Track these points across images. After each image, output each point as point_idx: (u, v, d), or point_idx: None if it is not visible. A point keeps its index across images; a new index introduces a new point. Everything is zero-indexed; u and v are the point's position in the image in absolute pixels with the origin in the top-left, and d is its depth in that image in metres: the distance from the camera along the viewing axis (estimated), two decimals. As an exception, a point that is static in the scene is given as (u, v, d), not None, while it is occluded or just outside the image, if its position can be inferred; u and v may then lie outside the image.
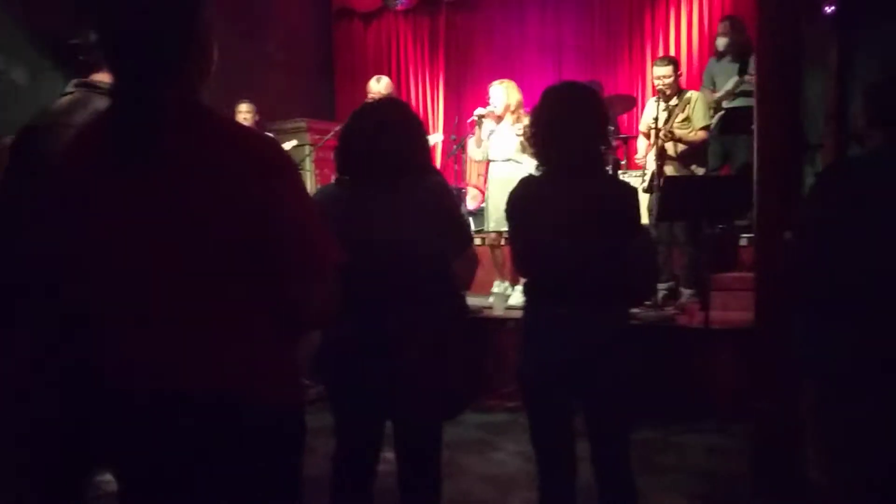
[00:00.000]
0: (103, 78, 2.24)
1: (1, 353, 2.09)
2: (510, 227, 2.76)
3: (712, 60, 6.44)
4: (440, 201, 2.45)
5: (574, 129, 2.55)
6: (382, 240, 2.35)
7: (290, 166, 1.57)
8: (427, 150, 2.59)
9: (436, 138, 6.75)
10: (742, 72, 5.79)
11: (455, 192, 6.55)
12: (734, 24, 6.24)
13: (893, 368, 2.36)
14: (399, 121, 2.47)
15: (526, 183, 2.73)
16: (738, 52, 6.04)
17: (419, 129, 2.53)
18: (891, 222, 2.36)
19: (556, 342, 2.55)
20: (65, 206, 1.54)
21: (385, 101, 2.94)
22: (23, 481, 2.07)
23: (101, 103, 2.20)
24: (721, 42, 6.25)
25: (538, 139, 2.65)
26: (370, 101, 3.07)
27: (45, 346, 1.99)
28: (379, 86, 5.98)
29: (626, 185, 2.69)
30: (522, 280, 2.83)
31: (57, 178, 1.57)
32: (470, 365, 2.52)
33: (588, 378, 2.54)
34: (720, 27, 6.41)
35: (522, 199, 2.70)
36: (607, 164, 3.76)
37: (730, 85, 5.85)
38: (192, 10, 1.51)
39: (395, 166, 2.40)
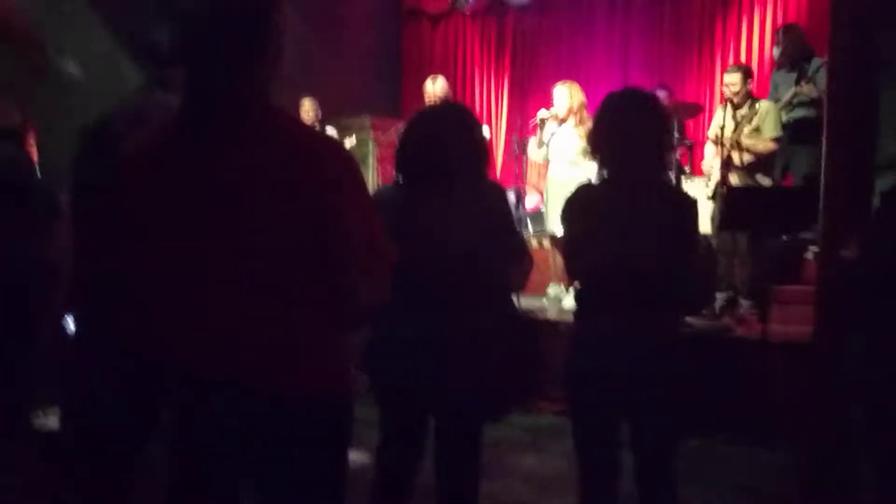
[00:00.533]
0: (175, 74, 2.32)
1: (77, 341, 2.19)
2: (565, 232, 2.75)
3: (774, 70, 6.32)
4: (494, 208, 2.48)
5: (634, 137, 2.53)
6: (434, 242, 2.37)
7: (352, 168, 1.62)
8: (484, 156, 2.59)
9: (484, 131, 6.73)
10: (798, 80, 5.68)
11: (515, 192, 6.56)
12: (787, 33, 6.11)
13: None
14: (456, 126, 2.50)
15: (583, 189, 2.71)
16: (794, 61, 5.92)
17: (476, 136, 2.55)
18: None
19: (604, 350, 2.53)
20: (137, 199, 1.60)
21: (444, 107, 2.98)
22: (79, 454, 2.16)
23: (173, 99, 2.28)
24: (776, 52, 6.14)
25: (598, 146, 2.64)
26: (430, 104, 3.10)
27: (114, 332, 2.08)
28: (434, 86, 5.99)
29: (686, 195, 2.67)
30: (574, 284, 2.82)
31: (131, 171, 1.63)
32: (517, 367, 2.53)
33: (635, 388, 2.52)
34: (776, 37, 6.29)
35: (579, 205, 2.68)
36: (669, 171, 3.73)
37: (788, 95, 5.73)
38: (268, 12, 1.56)
39: (451, 171, 2.43)
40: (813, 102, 5.65)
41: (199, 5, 1.53)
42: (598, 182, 2.68)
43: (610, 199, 2.57)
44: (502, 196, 2.55)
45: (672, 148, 2.74)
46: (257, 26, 1.55)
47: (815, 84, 5.64)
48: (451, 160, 2.44)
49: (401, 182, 2.55)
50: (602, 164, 2.64)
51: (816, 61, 5.76)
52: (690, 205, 2.64)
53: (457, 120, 2.54)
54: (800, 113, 5.73)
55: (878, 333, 2.47)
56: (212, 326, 1.54)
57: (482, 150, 2.58)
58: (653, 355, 2.49)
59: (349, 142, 7.04)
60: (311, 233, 1.52)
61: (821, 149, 3.63)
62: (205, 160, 1.52)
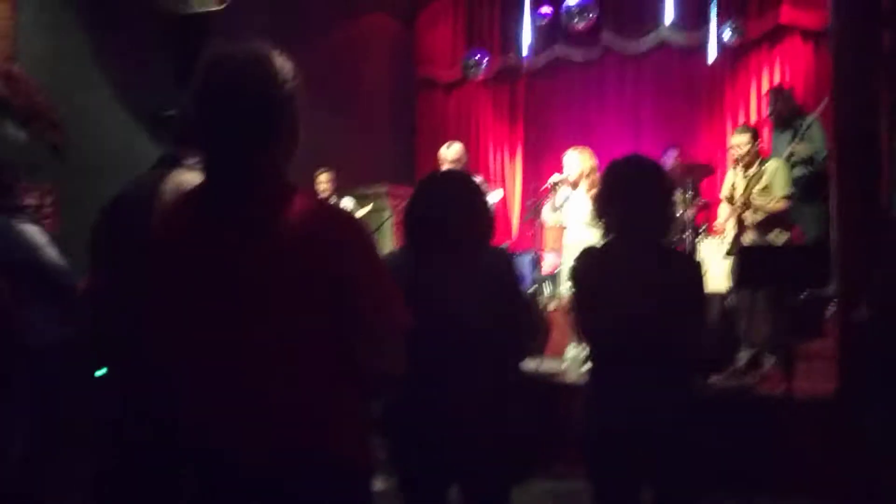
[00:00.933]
0: (189, 153, 2.41)
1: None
2: (574, 295, 2.79)
3: (773, 131, 6.41)
4: (497, 274, 2.51)
5: (637, 203, 2.60)
6: (439, 307, 2.41)
7: (366, 240, 1.68)
8: (489, 223, 2.64)
9: (497, 195, 6.81)
10: (792, 138, 5.81)
11: (531, 256, 6.60)
12: (776, 94, 6.28)
13: None
14: (460, 193, 2.56)
15: (590, 251, 2.76)
16: (785, 121, 6.05)
17: (480, 202, 2.60)
18: None
19: (618, 411, 2.54)
20: (161, 275, 1.65)
21: (449, 173, 3.05)
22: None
23: (188, 178, 2.37)
24: (769, 112, 6.25)
25: (603, 211, 2.71)
26: (436, 172, 3.16)
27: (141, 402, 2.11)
28: (449, 152, 6.08)
29: (689, 257, 2.71)
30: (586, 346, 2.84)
31: (154, 246, 1.68)
32: (531, 431, 2.53)
33: (653, 450, 2.51)
34: (769, 98, 6.42)
35: (586, 267, 2.73)
36: (672, 235, 3.76)
37: (785, 154, 5.79)
38: (287, 97, 1.63)
39: (454, 237, 2.48)
40: (811, 159, 5.73)
41: (220, 90, 1.59)
42: (604, 245, 2.73)
43: (615, 262, 2.61)
44: (507, 262, 2.59)
45: (673, 212, 2.78)
46: (277, 112, 1.61)
47: (808, 141, 5.74)
48: (454, 226, 2.49)
49: (407, 247, 2.61)
50: (608, 229, 2.70)
51: (808, 119, 5.86)
52: (694, 266, 2.68)
53: (460, 186, 2.60)
54: (798, 172, 5.79)
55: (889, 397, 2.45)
56: (241, 409, 1.57)
57: (486, 216, 2.62)
58: (668, 415, 2.50)
59: (364, 210, 7.14)
60: (331, 308, 1.56)
61: (823, 206, 3.66)
62: (226, 244, 1.57)
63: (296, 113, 1.64)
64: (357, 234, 1.64)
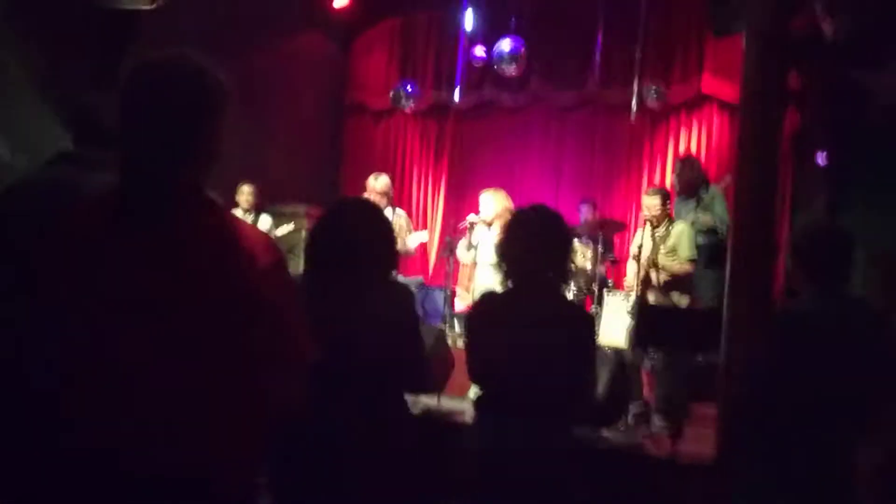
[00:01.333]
0: (89, 152, 2.33)
1: None
2: (467, 337, 2.81)
3: (676, 198, 6.62)
4: (395, 308, 2.49)
5: (532, 253, 2.67)
6: (332, 336, 2.38)
7: (280, 266, 1.63)
8: (391, 256, 2.63)
9: (422, 237, 6.88)
10: (696, 206, 6.07)
11: (444, 293, 6.61)
12: (684, 164, 6.51)
13: None
14: (366, 222, 2.55)
15: (485, 298, 2.81)
16: (689, 189, 6.27)
17: (385, 233, 2.59)
18: (816, 376, 2.46)
19: (500, 455, 2.57)
20: (54, 278, 1.57)
21: (357, 201, 3.02)
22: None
23: (85, 178, 2.28)
24: (674, 180, 6.49)
25: (503, 258, 2.76)
26: (345, 198, 3.16)
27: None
28: (377, 182, 6.14)
29: (582, 311, 2.78)
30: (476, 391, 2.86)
31: (50, 250, 1.61)
32: (415, 469, 2.51)
33: (533, 493, 2.54)
34: (675, 166, 6.69)
35: (481, 313, 2.78)
36: (568, 287, 3.82)
37: (688, 221, 6.01)
38: (216, 109, 1.60)
39: (355, 266, 2.46)
40: (713, 230, 5.95)
41: (148, 96, 1.55)
42: (502, 292, 2.77)
43: (509, 310, 2.66)
44: (406, 297, 2.57)
45: (569, 265, 2.86)
46: (205, 125, 1.58)
47: (711, 212, 5.96)
48: (356, 255, 2.47)
49: (308, 271, 2.58)
50: (506, 276, 2.74)
51: (712, 190, 6.10)
52: (585, 318, 2.76)
53: (367, 215, 2.58)
54: (700, 240, 5.98)
55: (761, 469, 2.56)
56: (122, 418, 1.50)
57: (389, 248, 2.61)
58: (544, 464, 2.54)
59: (284, 229, 7.06)
60: (236, 325, 1.52)
61: (723, 273, 3.78)
62: (134, 254, 1.52)
63: (222, 129, 1.61)
64: (271, 258, 1.60)
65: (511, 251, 2.73)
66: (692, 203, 6.15)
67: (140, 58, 1.59)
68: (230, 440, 1.56)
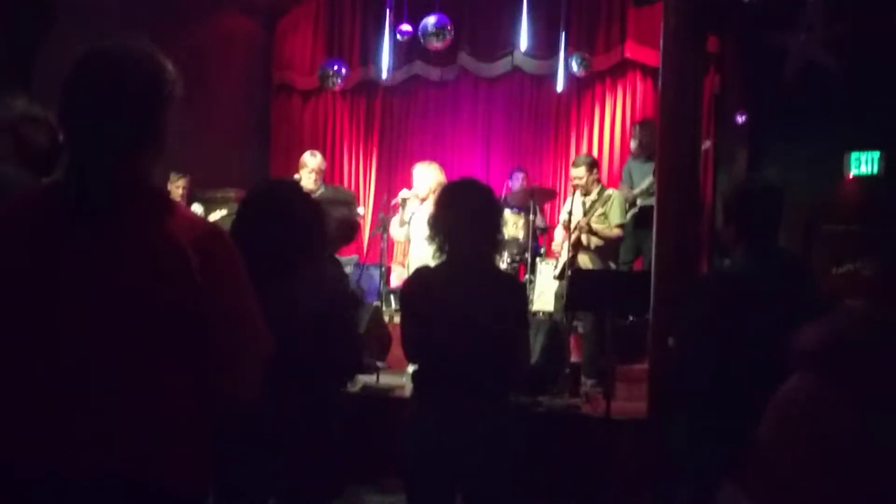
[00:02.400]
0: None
1: None
2: (402, 314, 2.83)
3: (630, 159, 6.74)
4: (323, 294, 2.48)
5: (467, 225, 2.68)
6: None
7: (231, 255, 1.60)
8: (319, 237, 2.61)
9: (357, 211, 6.86)
10: (655, 172, 6.05)
11: (378, 269, 6.63)
12: (643, 127, 6.58)
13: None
14: (292, 205, 2.53)
15: (418, 272, 2.83)
16: (649, 152, 6.31)
17: (305, 216, 2.55)
18: (752, 331, 2.48)
19: (440, 429, 2.60)
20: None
21: (279, 183, 2.97)
22: None
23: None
24: (632, 144, 6.57)
25: (435, 231, 2.78)
26: (266, 182, 3.13)
27: None
28: (313, 159, 6.09)
29: (514, 279, 2.82)
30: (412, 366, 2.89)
31: None
32: (347, 448, 2.54)
33: (470, 465, 2.59)
34: (633, 130, 6.73)
35: (413, 287, 2.80)
36: (499, 257, 3.87)
37: (644, 184, 6.12)
38: (165, 100, 1.57)
39: (280, 253, 2.45)
40: None
41: (96, 87, 1.51)
42: (435, 265, 2.80)
43: (443, 283, 2.68)
44: (335, 280, 2.57)
45: (500, 236, 2.90)
46: (154, 115, 1.55)
47: None
48: (277, 242, 2.45)
49: None
50: (439, 249, 2.77)
51: None
52: (517, 287, 2.80)
53: (290, 201, 2.56)
54: (650, 201, 6.09)
55: (698, 418, 2.63)
56: (66, 416, 1.47)
57: (314, 231, 2.59)
58: (483, 435, 2.58)
59: (216, 215, 6.97)
60: (186, 319, 1.50)
61: None
62: (79, 240, 1.48)
63: (168, 118, 1.59)
64: (222, 248, 1.58)
65: (442, 224, 2.75)
66: (650, 166, 6.17)
67: (87, 46, 1.55)
68: (180, 437, 1.55)
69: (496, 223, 2.83)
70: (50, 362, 1.47)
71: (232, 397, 1.62)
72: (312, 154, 6.18)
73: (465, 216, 2.70)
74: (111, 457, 1.47)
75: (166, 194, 1.59)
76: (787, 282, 2.61)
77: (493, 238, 2.79)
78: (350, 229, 3.53)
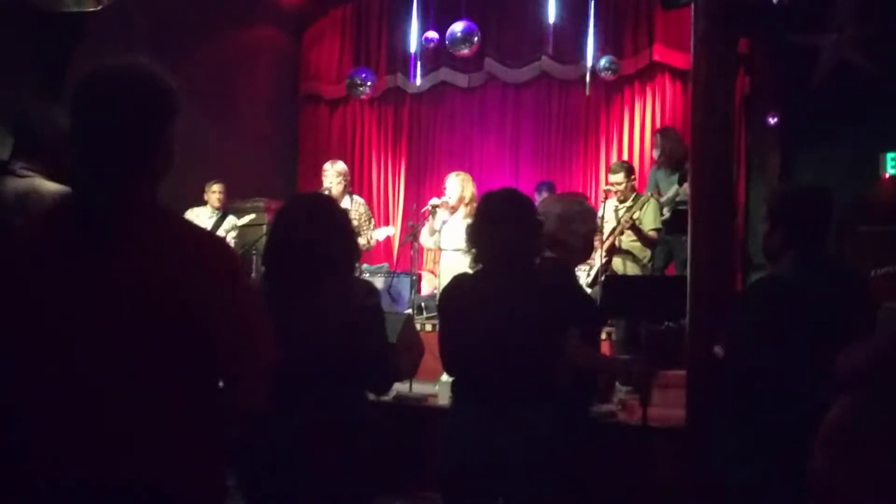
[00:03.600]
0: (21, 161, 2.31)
1: None
2: (440, 322, 2.83)
3: (654, 168, 6.68)
4: (354, 309, 2.45)
5: (504, 235, 2.67)
6: (294, 338, 2.37)
7: (234, 267, 1.64)
8: (348, 251, 2.59)
9: (388, 231, 6.92)
10: (681, 181, 5.99)
11: (409, 278, 6.63)
12: (665, 135, 6.51)
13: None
14: (323, 220, 2.52)
15: (457, 281, 2.82)
16: (673, 161, 6.27)
17: (337, 230, 2.54)
18: (799, 342, 2.44)
19: (480, 441, 2.58)
20: (7, 290, 1.57)
21: (313, 197, 2.94)
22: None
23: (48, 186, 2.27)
24: (655, 153, 6.50)
25: (474, 241, 2.77)
26: (300, 195, 3.12)
27: None
28: (335, 167, 6.14)
29: (553, 282, 2.80)
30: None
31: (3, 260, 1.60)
32: (376, 468, 2.51)
33: (510, 477, 2.57)
34: (654, 139, 6.66)
35: (453, 296, 2.78)
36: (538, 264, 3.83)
37: (670, 193, 6.06)
38: (167, 116, 1.61)
39: (312, 264, 2.44)
40: None
41: (99, 105, 1.55)
42: (472, 274, 2.79)
43: (482, 292, 2.67)
44: (366, 295, 2.53)
45: (539, 246, 2.89)
46: (156, 132, 1.59)
47: None
48: (311, 256, 2.45)
49: (267, 274, 2.57)
50: (477, 259, 2.76)
51: None
52: (558, 290, 2.77)
53: (320, 214, 2.54)
54: (681, 207, 6.04)
55: (741, 433, 2.58)
56: (80, 426, 1.51)
57: (346, 245, 2.57)
58: (524, 448, 2.55)
59: (246, 219, 7.05)
60: (192, 332, 1.52)
61: None
62: (85, 257, 1.52)
63: (173, 135, 1.62)
64: (224, 263, 1.61)
65: (481, 235, 2.74)
66: (675, 176, 6.13)
67: (90, 66, 1.60)
68: (190, 447, 1.57)
69: (534, 233, 2.82)
70: (62, 378, 1.51)
71: (239, 408, 1.64)
72: (333, 163, 6.25)
73: (503, 226, 2.68)
74: (125, 466, 1.51)
75: (170, 210, 1.61)
76: (839, 290, 2.54)
77: (531, 247, 2.78)
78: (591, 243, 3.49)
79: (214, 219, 7.02)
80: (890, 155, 6.28)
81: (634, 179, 5.94)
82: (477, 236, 2.77)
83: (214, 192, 7.01)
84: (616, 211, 5.69)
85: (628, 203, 5.69)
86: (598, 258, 5.71)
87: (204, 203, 7.05)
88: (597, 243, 5.83)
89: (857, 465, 1.07)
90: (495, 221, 2.71)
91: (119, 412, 1.51)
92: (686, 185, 5.86)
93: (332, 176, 6.07)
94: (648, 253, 5.70)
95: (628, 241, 5.60)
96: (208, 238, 1.66)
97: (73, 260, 1.52)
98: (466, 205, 5.79)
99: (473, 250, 2.80)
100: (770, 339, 2.48)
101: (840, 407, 1.15)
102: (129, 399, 1.51)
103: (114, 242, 1.52)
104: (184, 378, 1.55)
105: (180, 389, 1.55)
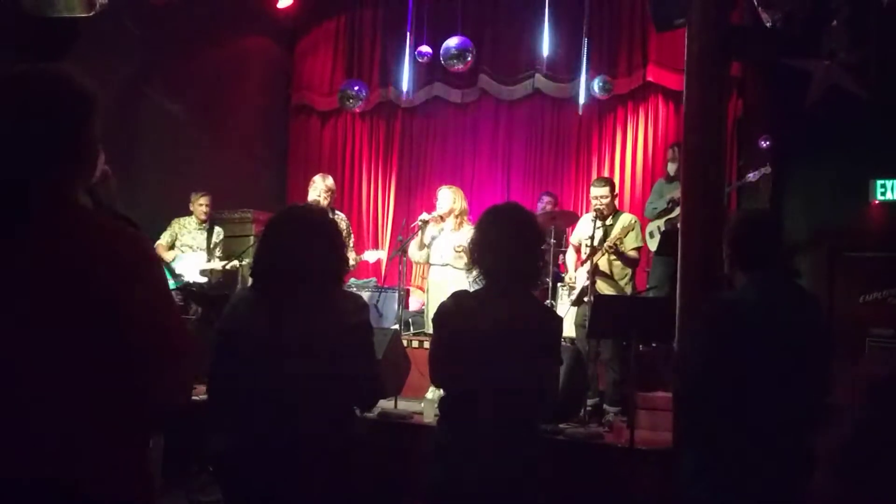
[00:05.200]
0: None
1: None
2: (434, 338, 2.77)
3: (661, 180, 6.67)
4: (342, 326, 2.42)
5: (506, 252, 2.62)
6: (280, 352, 2.34)
7: (147, 261, 1.65)
8: (340, 264, 2.56)
9: (379, 254, 6.88)
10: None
11: (397, 292, 6.59)
12: (678, 150, 6.49)
13: None
14: (312, 234, 2.48)
15: (457, 297, 2.75)
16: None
17: (325, 246, 2.49)
18: (756, 360, 2.51)
19: (467, 460, 2.54)
20: None
21: (304, 210, 2.90)
22: None
23: None
24: (671, 167, 6.49)
25: (475, 256, 2.72)
26: (291, 207, 3.07)
27: None
28: (325, 181, 6.12)
29: (550, 311, 2.77)
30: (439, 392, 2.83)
31: None
32: (362, 477, 2.48)
33: (496, 497, 2.53)
34: (669, 152, 6.66)
35: (451, 313, 2.72)
36: (540, 284, 3.82)
37: (665, 199, 6.05)
38: (81, 121, 1.63)
39: (301, 276, 2.41)
40: None
41: (9, 108, 1.58)
42: (473, 291, 2.74)
43: (477, 310, 2.62)
44: (355, 311, 2.49)
45: (542, 264, 2.86)
46: (68, 135, 1.61)
47: None
48: (299, 271, 2.41)
49: (256, 286, 2.53)
50: (477, 274, 2.71)
51: None
52: (553, 318, 2.74)
53: (309, 229, 2.50)
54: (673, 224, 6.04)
55: (695, 448, 2.62)
56: None
57: (334, 260, 2.53)
58: (513, 470, 2.52)
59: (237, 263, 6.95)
60: (103, 324, 1.53)
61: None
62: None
63: (91, 137, 1.65)
64: (134, 254, 1.61)
65: (482, 250, 2.69)
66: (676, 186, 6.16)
67: (4, 69, 1.63)
68: (106, 444, 1.56)
69: (537, 251, 2.78)
70: None
71: (161, 399, 1.64)
72: (323, 176, 6.23)
73: (506, 242, 2.63)
74: (36, 464, 1.50)
75: (85, 208, 1.64)
76: (791, 308, 2.62)
77: (533, 265, 2.74)
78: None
79: (203, 230, 6.95)
80: (879, 182, 6.31)
81: (616, 196, 5.93)
82: (481, 253, 2.70)
83: (201, 206, 6.93)
84: (603, 228, 5.63)
85: (609, 221, 5.65)
86: (579, 277, 5.69)
87: (191, 213, 6.99)
88: (577, 263, 5.84)
89: (864, 485, 1.04)
90: (495, 237, 2.66)
91: (30, 407, 1.50)
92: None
93: (322, 190, 6.04)
94: (629, 272, 5.67)
95: (605, 261, 5.56)
96: (120, 233, 1.65)
97: None
98: (456, 218, 5.78)
99: (475, 267, 2.74)
100: (716, 358, 2.55)
101: (842, 428, 1.14)
102: (41, 394, 1.51)
103: (21, 237, 1.55)
104: (98, 372, 1.54)
105: (94, 384, 1.54)
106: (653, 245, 6.29)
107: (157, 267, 1.70)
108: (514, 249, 2.62)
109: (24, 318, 1.51)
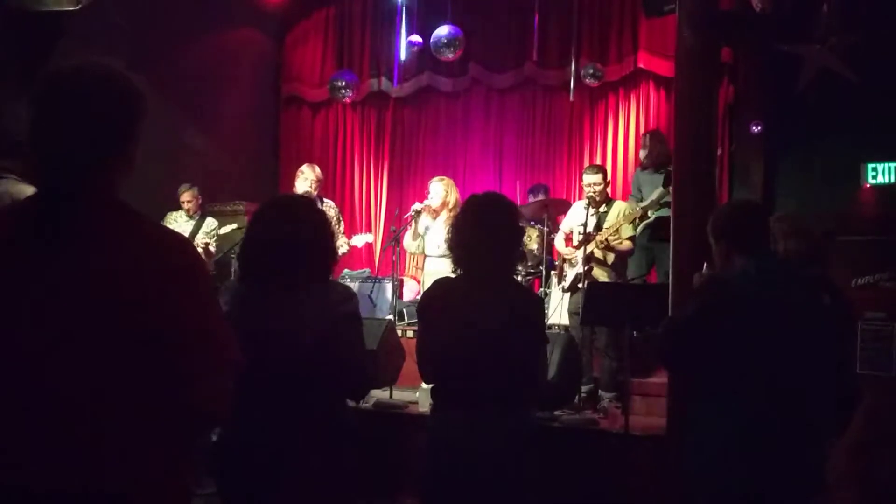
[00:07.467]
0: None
1: None
2: (420, 327, 2.79)
3: (638, 170, 6.68)
4: (330, 315, 2.41)
5: (486, 239, 2.64)
6: (270, 346, 2.34)
7: (195, 268, 1.62)
8: (328, 253, 2.55)
9: (367, 238, 6.89)
10: (666, 183, 5.97)
11: (392, 283, 6.59)
12: (654, 137, 6.53)
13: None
14: (301, 224, 2.47)
15: (437, 284, 2.78)
16: (659, 164, 6.26)
17: (313, 235, 2.49)
18: (749, 337, 2.53)
19: (461, 447, 2.55)
20: None
21: (291, 199, 2.89)
22: None
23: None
24: (642, 154, 6.52)
25: (455, 245, 2.73)
26: (279, 197, 3.06)
27: None
28: (313, 171, 6.12)
29: (531, 294, 2.78)
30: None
31: None
32: (355, 467, 2.48)
33: (486, 488, 2.54)
34: (642, 140, 6.69)
35: (433, 300, 2.75)
36: (518, 270, 3.82)
37: (655, 195, 6.04)
38: (131, 119, 1.60)
39: (289, 265, 2.40)
40: None
41: (62, 105, 1.54)
42: (455, 278, 2.76)
43: (462, 296, 2.64)
44: (343, 300, 2.49)
45: (520, 251, 2.88)
46: (120, 134, 1.58)
47: None
48: (286, 260, 2.41)
49: (242, 276, 2.52)
50: (457, 263, 2.73)
51: None
52: (536, 301, 2.76)
53: (297, 218, 2.49)
54: (665, 212, 6.02)
55: (700, 431, 2.63)
56: (43, 432, 1.47)
57: (322, 249, 2.52)
58: (503, 448, 2.53)
59: (228, 228, 6.95)
60: (152, 333, 1.50)
61: None
62: (47, 255, 1.49)
63: (137, 136, 1.61)
64: (187, 262, 1.59)
65: (462, 238, 2.71)
66: (659, 177, 6.13)
67: (51, 67, 1.58)
68: (153, 453, 1.54)
69: (518, 239, 2.79)
70: (18, 381, 1.48)
71: (203, 411, 1.61)
72: (310, 166, 6.23)
73: (487, 230, 2.65)
74: (85, 474, 1.48)
75: (133, 210, 1.59)
76: (788, 288, 2.65)
77: (513, 253, 2.76)
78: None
79: (192, 223, 6.92)
80: (870, 165, 6.32)
81: (609, 184, 5.93)
82: (458, 240, 2.74)
83: (188, 199, 6.89)
84: (596, 216, 5.62)
85: (602, 209, 5.65)
86: (575, 263, 5.68)
87: (178, 208, 6.96)
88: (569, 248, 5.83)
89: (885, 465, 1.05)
90: (478, 226, 2.68)
91: (79, 417, 1.48)
92: (670, 189, 5.88)
93: (312, 180, 6.04)
94: (624, 258, 5.67)
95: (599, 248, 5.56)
96: (170, 239, 1.63)
97: (34, 260, 1.50)
98: (450, 210, 5.77)
99: (453, 254, 2.76)
100: (699, 332, 2.59)
101: (862, 414, 1.15)
102: (90, 403, 1.48)
103: (71, 244, 1.51)
104: (146, 382, 1.52)
105: (142, 393, 1.52)
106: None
107: (205, 274, 1.67)
108: (494, 237, 2.66)
109: (72, 326, 1.48)
